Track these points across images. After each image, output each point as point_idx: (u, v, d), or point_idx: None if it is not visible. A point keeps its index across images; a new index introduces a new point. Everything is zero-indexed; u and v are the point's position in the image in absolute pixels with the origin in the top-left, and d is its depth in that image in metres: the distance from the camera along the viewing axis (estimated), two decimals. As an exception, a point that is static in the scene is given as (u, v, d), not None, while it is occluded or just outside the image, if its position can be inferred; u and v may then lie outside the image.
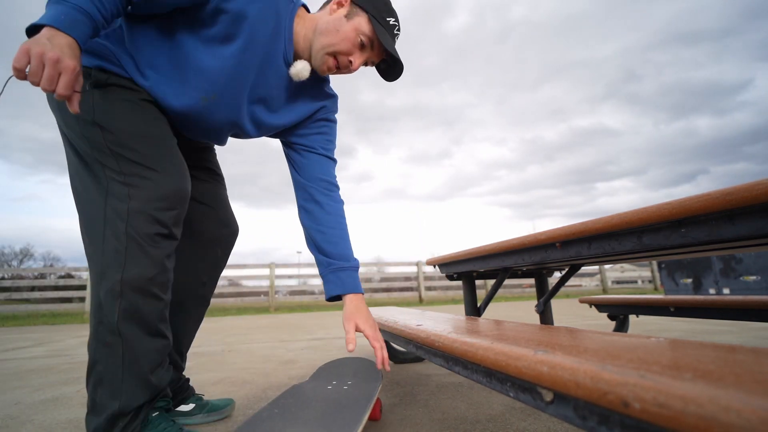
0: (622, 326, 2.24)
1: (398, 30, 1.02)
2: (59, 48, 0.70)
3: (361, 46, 0.97)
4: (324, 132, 1.16)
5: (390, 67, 1.04)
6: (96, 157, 0.87)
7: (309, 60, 1.01)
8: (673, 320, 3.65)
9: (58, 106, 0.90)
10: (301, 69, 0.99)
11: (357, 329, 1.00)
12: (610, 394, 0.35)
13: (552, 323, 1.85)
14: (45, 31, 0.70)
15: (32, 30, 0.71)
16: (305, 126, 1.14)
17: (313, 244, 1.11)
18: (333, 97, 1.16)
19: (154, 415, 0.88)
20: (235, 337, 3.46)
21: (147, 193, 0.86)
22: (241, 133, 1.10)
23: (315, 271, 10.10)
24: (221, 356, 2.41)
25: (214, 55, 0.90)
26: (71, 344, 3.33)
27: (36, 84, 0.70)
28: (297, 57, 1.01)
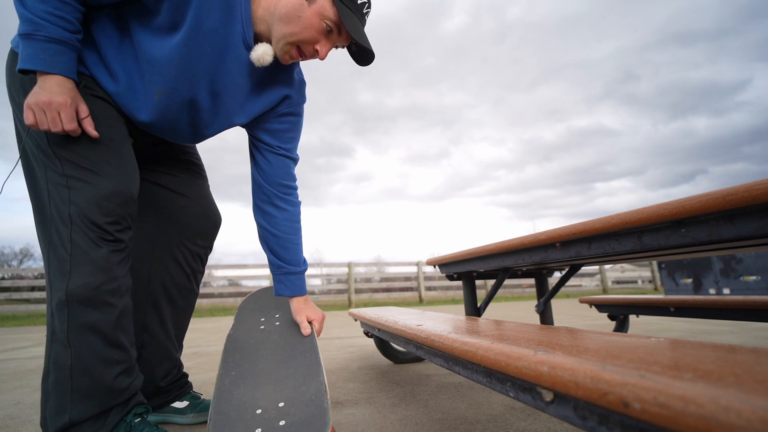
0: (622, 326, 2.24)
1: (369, 7, 0.93)
2: (49, 91, 0.78)
3: (328, 32, 0.89)
4: (288, 129, 1.10)
5: (362, 51, 0.95)
6: (41, 157, 0.85)
7: (269, 42, 0.93)
8: (673, 320, 3.65)
9: (12, 98, 0.90)
10: (262, 53, 0.90)
11: (308, 319, 1.08)
12: (610, 394, 0.35)
13: (552, 323, 1.85)
14: (38, 79, 0.79)
15: (23, 72, 0.79)
16: (269, 120, 1.07)
17: (266, 244, 1.12)
18: (301, 83, 1.09)
19: (136, 421, 0.86)
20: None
21: (86, 195, 0.83)
22: (205, 131, 1.04)
23: (315, 271, 10.11)
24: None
25: (161, 45, 0.85)
26: (71, 344, 3.33)
27: (50, 130, 0.80)
28: (258, 39, 0.93)
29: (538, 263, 1.27)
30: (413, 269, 9.89)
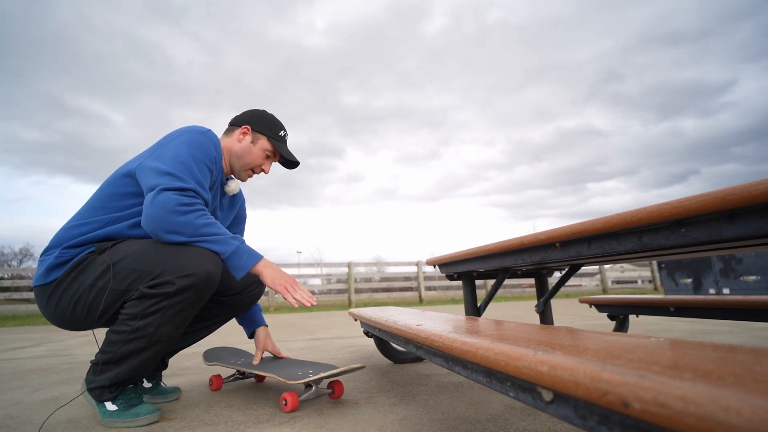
0: (622, 326, 2.24)
1: (287, 134, 1.47)
2: (280, 271, 1.21)
3: (267, 158, 1.42)
4: (242, 224, 1.64)
5: (289, 163, 1.49)
6: None
7: (231, 174, 1.44)
8: (673, 320, 3.65)
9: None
10: (234, 187, 1.46)
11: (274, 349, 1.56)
12: (610, 394, 0.35)
13: (552, 323, 1.85)
14: (266, 263, 1.18)
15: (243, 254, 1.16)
16: (233, 224, 1.60)
17: None
18: (241, 192, 1.60)
19: (130, 386, 1.19)
20: (235, 337, 3.46)
21: None
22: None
23: (315, 270, 10.14)
24: (221, 356, 2.41)
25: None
26: (71, 344, 3.33)
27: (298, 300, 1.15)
28: (227, 176, 1.44)
29: (538, 263, 1.27)
30: (413, 269, 9.90)
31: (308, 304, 1.14)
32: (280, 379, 1.23)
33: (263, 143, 1.39)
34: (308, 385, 1.25)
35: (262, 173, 1.45)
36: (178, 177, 1.12)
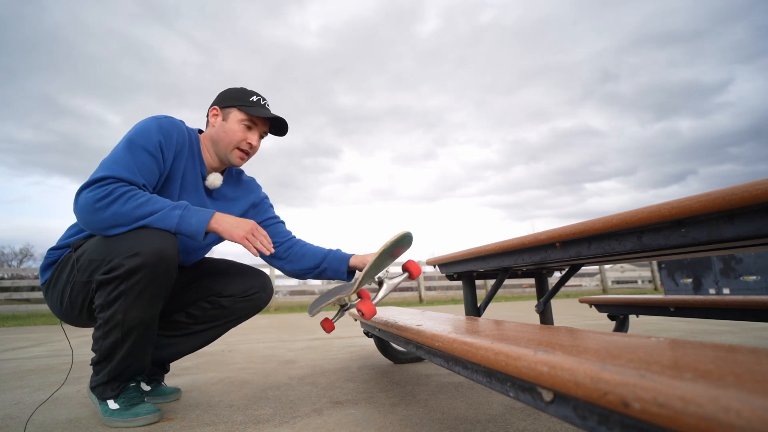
0: (622, 326, 2.24)
1: (264, 100, 1.34)
2: (236, 219, 1.14)
3: (248, 128, 1.30)
4: (271, 226, 1.50)
5: (276, 127, 1.36)
6: None
7: (223, 163, 1.34)
8: (673, 320, 3.65)
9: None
10: (213, 179, 1.31)
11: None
12: (610, 394, 0.35)
13: (552, 323, 1.85)
14: (220, 218, 1.11)
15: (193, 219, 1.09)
16: (254, 215, 1.49)
17: (315, 272, 1.47)
18: (253, 181, 1.52)
19: (132, 385, 1.19)
20: (235, 337, 3.46)
21: None
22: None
23: (315, 271, 10.10)
24: (221, 356, 2.41)
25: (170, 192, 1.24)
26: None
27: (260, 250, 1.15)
28: (210, 169, 1.34)
29: (538, 263, 1.27)
30: (413, 269, 9.87)
31: (267, 252, 1.14)
32: (369, 279, 1.18)
33: (234, 114, 1.28)
34: (380, 283, 1.24)
35: (252, 149, 1.33)
36: (100, 168, 1.07)
